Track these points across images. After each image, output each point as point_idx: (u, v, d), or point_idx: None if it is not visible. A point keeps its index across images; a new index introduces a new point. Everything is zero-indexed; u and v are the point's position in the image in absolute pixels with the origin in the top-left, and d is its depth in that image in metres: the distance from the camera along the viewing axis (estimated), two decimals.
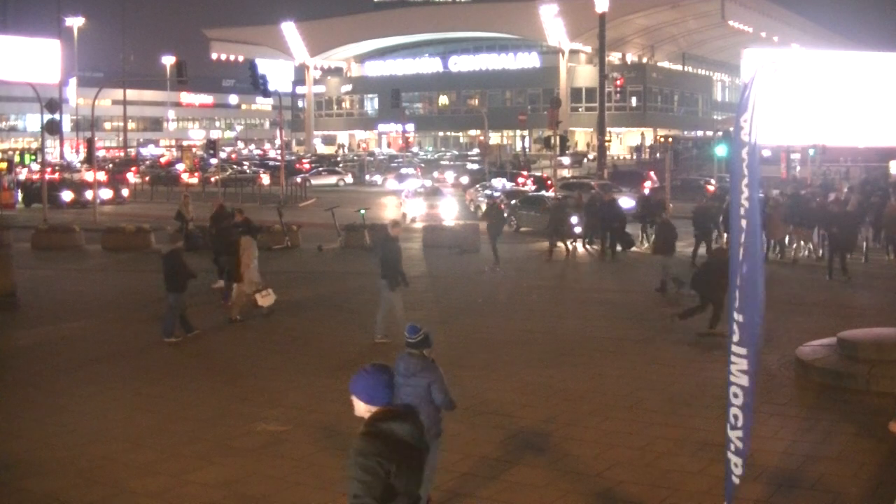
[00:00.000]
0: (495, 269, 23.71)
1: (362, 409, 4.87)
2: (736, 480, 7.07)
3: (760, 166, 7.01)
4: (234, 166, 70.13)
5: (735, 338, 6.91)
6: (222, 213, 21.45)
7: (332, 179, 64.08)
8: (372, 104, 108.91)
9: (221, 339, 15.77)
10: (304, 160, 76.23)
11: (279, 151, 70.01)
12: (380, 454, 4.62)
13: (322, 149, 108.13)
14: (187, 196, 32.10)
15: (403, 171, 62.52)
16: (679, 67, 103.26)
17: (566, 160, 66.44)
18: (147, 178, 61.69)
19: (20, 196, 46.28)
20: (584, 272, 25.30)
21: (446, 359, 13.94)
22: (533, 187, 45.03)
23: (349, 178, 65.93)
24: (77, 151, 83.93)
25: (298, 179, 55.03)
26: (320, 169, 67.53)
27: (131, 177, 60.64)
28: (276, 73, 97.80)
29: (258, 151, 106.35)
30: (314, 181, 59.61)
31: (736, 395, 6.95)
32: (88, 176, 49.14)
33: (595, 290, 21.46)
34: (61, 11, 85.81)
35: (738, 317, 6.88)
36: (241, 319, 16.73)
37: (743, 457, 7.00)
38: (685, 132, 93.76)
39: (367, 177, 67.05)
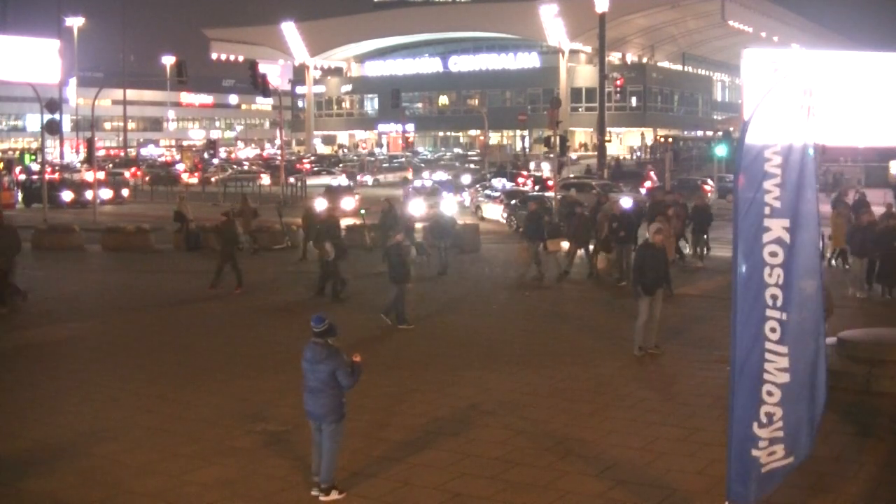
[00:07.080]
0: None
1: None
2: (778, 464, 7.23)
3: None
4: (235, 166, 70.04)
5: (775, 336, 7.00)
6: (540, 207, 24.90)
7: (327, 180, 63.54)
8: (372, 104, 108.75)
9: (222, 340, 15.78)
10: (305, 160, 76.01)
11: (278, 151, 69.66)
12: None
13: (322, 149, 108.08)
14: (184, 196, 32.15)
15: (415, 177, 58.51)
16: (679, 67, 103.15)
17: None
18: (147, 178, 61.64)
19: (20, 196, 46.28)
20: (582, 272, 25.25)
21: (446, 359, 14.02)
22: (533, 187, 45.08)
23: (343, 180, 65.54)
24: (77, 151, 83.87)
25: (291, 180, 52.59)
26: (314, 171, 66.98)
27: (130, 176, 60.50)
28: (276, 72, 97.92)
29: (256, 151, 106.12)
30: (309, 182, 58.56)
31: (770, 394, 7.09)
32: (88, 176, 49.10)
33: (593, 290, 21.43)
34: (61, 11, 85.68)
35: (780, 315, 6.97)
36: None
37: (783, 444, 7.16)
38: (685, 132, 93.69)
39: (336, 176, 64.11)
